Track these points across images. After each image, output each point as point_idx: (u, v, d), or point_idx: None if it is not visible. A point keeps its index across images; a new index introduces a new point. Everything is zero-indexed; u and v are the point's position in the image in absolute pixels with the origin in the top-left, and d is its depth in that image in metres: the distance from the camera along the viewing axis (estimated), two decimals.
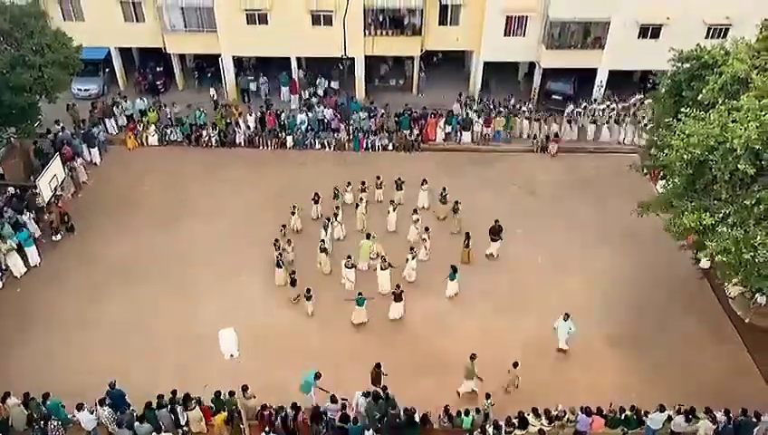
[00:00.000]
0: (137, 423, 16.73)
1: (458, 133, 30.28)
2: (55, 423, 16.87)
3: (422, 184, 25.64)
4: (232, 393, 17.39)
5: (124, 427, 16.76)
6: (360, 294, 20.86)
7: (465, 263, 22.75)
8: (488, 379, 18.66)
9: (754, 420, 17.12)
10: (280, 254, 22.35)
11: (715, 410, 17.27)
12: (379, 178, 26.04)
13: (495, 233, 23.25)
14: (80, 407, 17.13)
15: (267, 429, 16.78)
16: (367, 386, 18.42)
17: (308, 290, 21.05)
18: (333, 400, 17.47)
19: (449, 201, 24.82)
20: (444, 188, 24.94)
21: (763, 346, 20.33)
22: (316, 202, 25.08)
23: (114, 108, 30.58)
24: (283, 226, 23.80)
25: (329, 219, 23.78)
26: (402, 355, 19.82)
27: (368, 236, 22.74)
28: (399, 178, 25.94)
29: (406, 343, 20.21)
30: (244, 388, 17.52)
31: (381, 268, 21.76)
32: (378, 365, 18.36)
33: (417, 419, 17.21)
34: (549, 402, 17.57)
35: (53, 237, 24.07)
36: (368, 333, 20.85)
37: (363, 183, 25.80)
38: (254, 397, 17.66)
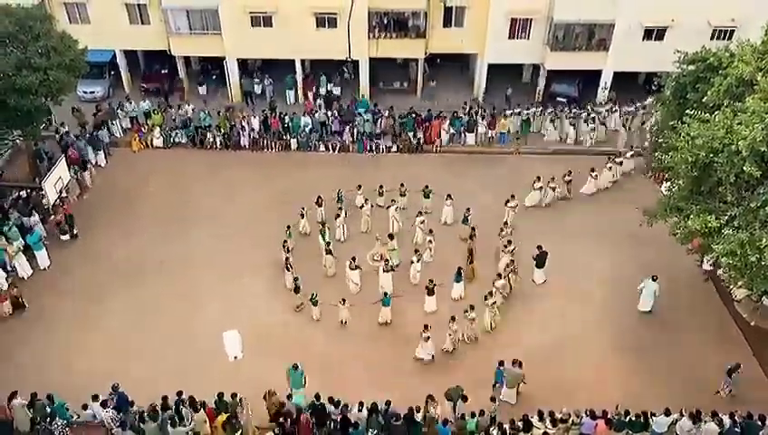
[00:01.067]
0: (141, 424, 16.71)
1: (462, 135, 30.29)
2: (60, 423, 16.88)
3: (446, 199, 25.17)
4: (234, 395, 17.39)
5: (128, 429, 16.76)
6: (386, 294, 20.97)
7: (470, 279, 22.50)
8: (490, 384, 18.70)
9: (759, 423, 17.02)
10: (287, 257, 22.34)
11: (720, 414, 17.16)
12: (402, 184, 25.81)
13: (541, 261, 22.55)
14: (98, 399, 17.24)
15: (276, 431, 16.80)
16: (369, 388, 18.45)
17: (313, 295, 20.94)
18: (336, 403, 17.43)
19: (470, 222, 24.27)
20: (468, 209, 24.51)
21: None
22: (319, 205, 25.10)
23: (118, 110, 30.69)
24: (288, 226, 23.80)
25: (324, 223, 23.80)
26: (406, 357, 19.82)
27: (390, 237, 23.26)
28: (427, 187, 25.72)
29: (410, 345, 20.13)
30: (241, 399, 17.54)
31: (384, 270, 21.73)
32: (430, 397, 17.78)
33: (417, 418, 17.18)
34: (552, 405, 17.52)
35: (62, 237, 24.15)
36: (371, 335, 20.80)
37: (381, 187, 25.96)
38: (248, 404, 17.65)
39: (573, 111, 30.91)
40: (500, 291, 21.32)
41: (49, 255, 23.24)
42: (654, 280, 21.04)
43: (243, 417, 17.38)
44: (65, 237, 24.25)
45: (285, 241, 22.96)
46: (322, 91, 33.06)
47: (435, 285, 21.14)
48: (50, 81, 22.90)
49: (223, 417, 17.12)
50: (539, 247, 22.47)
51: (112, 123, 30.34)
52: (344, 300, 20.83)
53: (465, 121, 30.17)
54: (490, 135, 30.21)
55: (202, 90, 33.55)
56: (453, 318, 19.92)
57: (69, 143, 27.80)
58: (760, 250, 14.90)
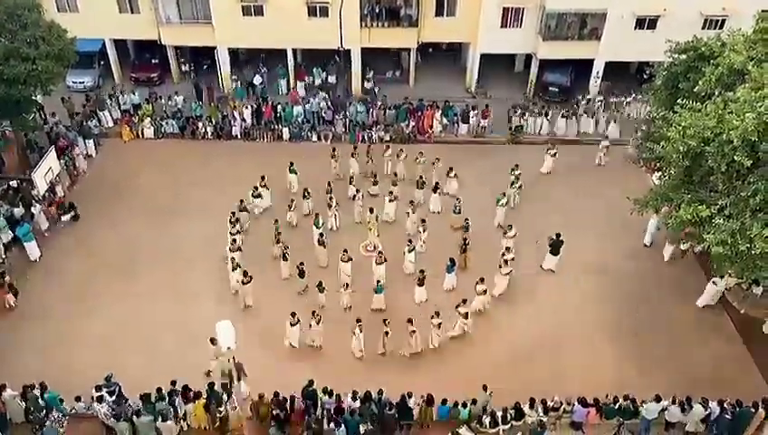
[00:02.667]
0: (135, 417, 16.73)
1: (455, 125, 30.26)
2: (56, 415, 16.87)
3: (434, 189, 25.18)
4: (225, 386, 17.39)
5: (122, 420, 16.77)
6: (378, 282, 21.05)
7: (463, 269, 22.53)
8: (483, 372, 18.84)
9: (752, 410, 17.21)
10: (285, 247, 22.27)
11: (709, 400, 17.33)
12: (395, 174, 25.83)
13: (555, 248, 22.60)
14: (101, 390, 17.21)
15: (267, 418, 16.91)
16: (362, 375, 18.59)
17: (320, 283, 20.91)
18: (329, 392, 17.50)
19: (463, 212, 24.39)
20: (458, 199, 24.72)
21: (759, 337, 20.40)
22: (306, 198, 25.06)
23: (109, 100, 30.42)
24: (276, 220, 23.69)
25: (318, 214, 23.78)
26: (397, 347, 19.85)
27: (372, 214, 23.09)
28: (421, 177, 25.81)
29: (401, 335, 20.15)
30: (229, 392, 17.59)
31: (377, 262, 21.74)
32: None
33: (411, 404, 17.31)
34: (545, 394, 17.64)
35: (63, 218, 24.26)
36: (364, 325, 20.77)
37: (375, 175, 26.04)
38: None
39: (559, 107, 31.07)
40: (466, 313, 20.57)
41: (40, 246, 23.05)
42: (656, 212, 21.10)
43: (230, 406, 17.39)
44: (66, 218, 24.32)
45: (279, 233, 22.89)
46: (318, 81, 32.88)
47: (425, 275, 21.15)
48: (38, 71, 22.70)
49: (201, 401, 17.14)
50: (557, 235, 22.34)
51: (102, 112, 30.07)
52: (347, 285, 20.89)
53: (459, 111, 30.13)
54: (482, 125, 30.22)
55: (192, 80, 33.32)
56: (410, 320, 19.48)
57: (59, 134, 27.59)
58: (750, 239, 15.01)
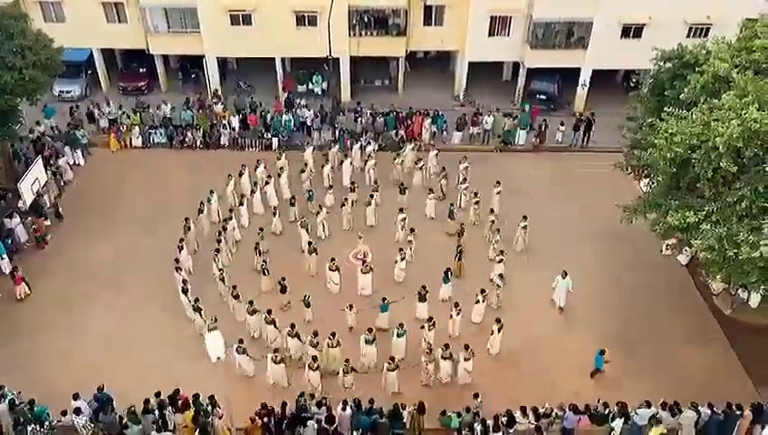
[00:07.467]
0: (126, 430, 16.55)
1: (445, 133, 30.35)
2: (32, 427, 16.65)
3: (428, 193, 25.37)
4: (212, 397, 17.25)
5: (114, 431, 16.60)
6: (384, 299, 20.70)
7: (457, 276, 22.51)
8: (475, 380, 18.85)
9: (738, 413, 17.31)
10: (264, 261, 22.14)
11: (699, 405, 17.41)
12: (376, 181, 26.09)
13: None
14: (78, 399, 17.06)
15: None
16: (355, 387, 18.50)
17: (306, 296, 20.68)
18: (318, 403, 17.41)
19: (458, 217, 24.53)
20: (451, 204, 24.84)
21: (747, 342, 20.54)
22: (292, 205, 25.04)
23: (95, 110, 30.24)
24: (261, 229, 23.60)
25: (307, 224, 23.71)
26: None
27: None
28: (402, 183, 25.99)
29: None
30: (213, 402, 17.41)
31: (362, 272, 21.65)
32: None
33: (403, 415, 17.24)
34: (536, 401, 17.63)
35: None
36: (356, 336, 20.67)
37: (353, 183, 26.11)
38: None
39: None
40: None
41: (12, 261, 22.70)
42: (564, 277, 21.25)
43: (216, 418, 17.25)
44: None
45: (257, 244, 22.71)
46: (318, 89, 32.87)
47: (427, 291, 20.73)
48: (25, 80, 22.56)
49: (190, 413, 17.00)
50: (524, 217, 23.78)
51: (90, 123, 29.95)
52: (351, 305, 20.50)
53: (458, 118, 30.21)
54: (471, 132, 30.34)
55: (181, 89, 33.22)
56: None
57: (45, 143, 27.39)
58: (737, 245, 15.14)
